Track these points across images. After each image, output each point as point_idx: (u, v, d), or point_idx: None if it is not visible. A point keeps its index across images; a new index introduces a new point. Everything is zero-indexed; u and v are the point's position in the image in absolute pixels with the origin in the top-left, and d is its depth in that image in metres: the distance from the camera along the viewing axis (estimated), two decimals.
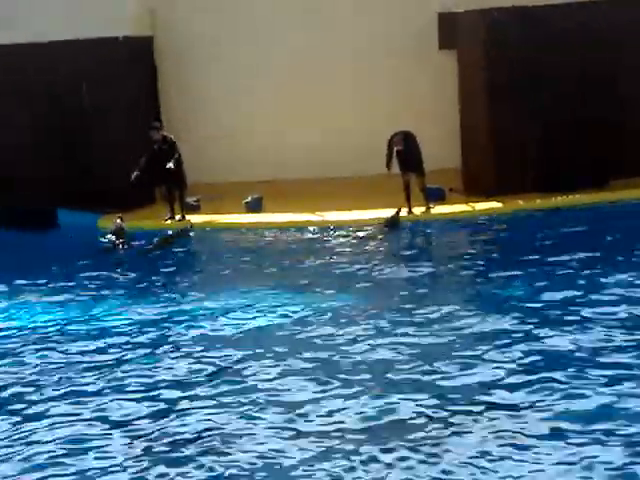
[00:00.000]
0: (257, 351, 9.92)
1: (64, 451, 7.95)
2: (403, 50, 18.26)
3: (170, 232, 15.98)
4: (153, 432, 8.14)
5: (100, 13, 17.57)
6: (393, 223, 15.57)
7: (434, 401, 8.30)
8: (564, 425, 7.69)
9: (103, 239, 15.66)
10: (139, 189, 16.83)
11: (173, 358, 10.00)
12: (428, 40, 17.88)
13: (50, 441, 8.13)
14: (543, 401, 8.16)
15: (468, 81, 17.19)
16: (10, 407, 8.98)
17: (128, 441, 8.03)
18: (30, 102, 17.80)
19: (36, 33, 17.47)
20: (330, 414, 8.24)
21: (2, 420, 8.69)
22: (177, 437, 8.01)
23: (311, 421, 8.15)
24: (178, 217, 16.80)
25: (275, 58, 18.83)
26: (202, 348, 10.20)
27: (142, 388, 9.21)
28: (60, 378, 9.64)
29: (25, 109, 17.82)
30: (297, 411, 8.32)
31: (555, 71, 16.48)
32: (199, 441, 7.90)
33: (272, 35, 18.80)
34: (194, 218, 16.91)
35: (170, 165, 16.32)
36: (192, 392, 8.98)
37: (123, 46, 17.82)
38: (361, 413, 8.18)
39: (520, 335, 9.80)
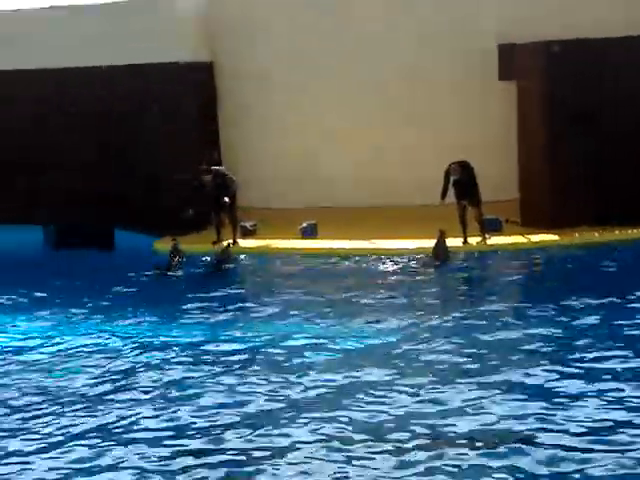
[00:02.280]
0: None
1: None
2: (463, 80, 18.22)
3: (214, 257, 16.10)
4: None
5: (162, 38, 17.87)
6: (441, 254, 15.47)
7: None
8: None
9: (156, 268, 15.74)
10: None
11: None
12: (488, 71, 17.82)
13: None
14: None
15: (527, 113, 17.16)
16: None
17: None
18: (96, 123, 18.16)
19: (92, 58, 17.82)
20: None
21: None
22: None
23: None
24: (230, 241, 16.91)
25: (337, 88, 18.83)
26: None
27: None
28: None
29: (92, 129, 18.16)
30: None
31: (614, 106, 16.39)
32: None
33: (334, 65, 18.84)
34: (250, 242, 17.06)
35: (226, 200, 16.62)
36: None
37: (184, 70, 18.05)
38: None
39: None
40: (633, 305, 12.04)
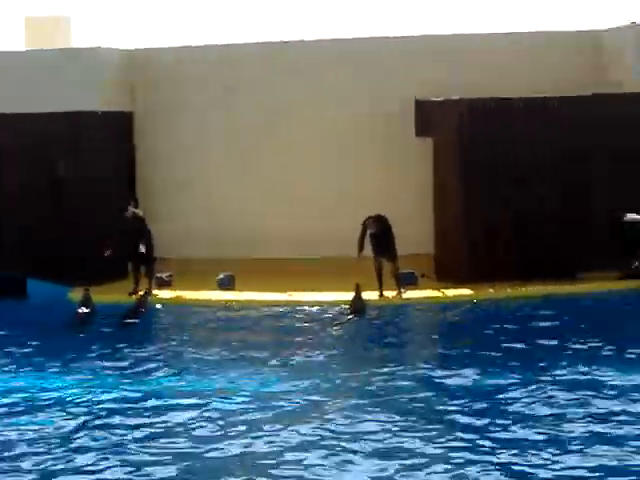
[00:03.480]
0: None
1: None
2: (380, 135, 18.52)
3: (129, 308, 15.86)
4: None
5: (82, 88, 17.78)
6: (358, 308, 15.53)
7: None
8: None
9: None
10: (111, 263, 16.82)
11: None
12: (405, 126, 18.10)
13: None
14: None
15: (442, 168, 17.43)
16: None
17: None
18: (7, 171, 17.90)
19: (11, 103, 17.61)
20: None
21: None
22: None
23: None
24: (145, 292, 16.76)
25: (256, 142, 19.00)
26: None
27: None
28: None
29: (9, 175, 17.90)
30: None
31: (527, 163, 16.74)
32: None
33: (255, 120, 19.00)
34: (165, 293, 16.91)
35: (142, 249, 16.53)
36: None
37: (102, 120, 17.95)
38: None
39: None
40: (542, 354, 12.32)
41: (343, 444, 9.31)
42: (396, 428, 9.77)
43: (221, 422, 10.16)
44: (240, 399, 10.97)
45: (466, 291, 16.34)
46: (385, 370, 12.02)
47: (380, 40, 19.02)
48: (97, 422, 10.36)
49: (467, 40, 18.82)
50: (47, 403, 11.15)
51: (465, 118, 16.78)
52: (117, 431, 10.02)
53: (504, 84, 17.44)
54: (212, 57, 19.24)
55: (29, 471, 9.01)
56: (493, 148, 16.72)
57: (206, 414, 10.45)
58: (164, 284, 17.38)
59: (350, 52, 18.87)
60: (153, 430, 10.04)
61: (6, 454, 9.45)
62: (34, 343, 14.00)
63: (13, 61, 18.41)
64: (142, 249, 16.67)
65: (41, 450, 9.55)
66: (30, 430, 10.11)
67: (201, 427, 10.05)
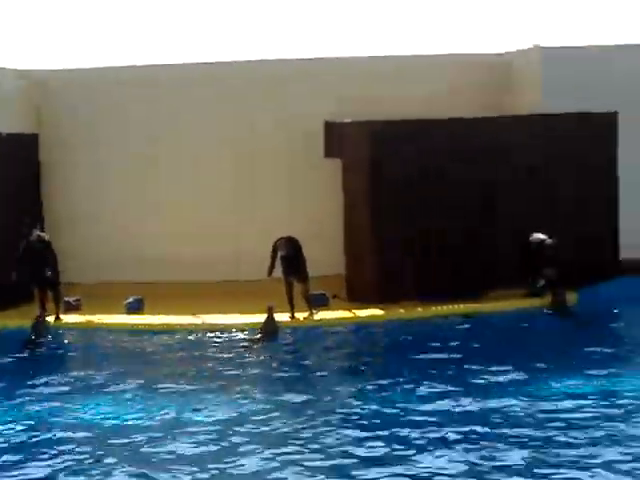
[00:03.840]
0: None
1: None
2: (290, 156, 18.57)
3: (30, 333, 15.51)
4: None
5: None
6: (270, 330, 15.46)
7: None
8: None
9: None
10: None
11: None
12: (314, 147, 18.16)
13: None
14: None
15: (351, 189, 17.51)
16: None
17: None
18: None
19: None
20: None
21: None
22: None
23: None
24: (53, 317, 16.45)
25: (164, 163, 18.92)
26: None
27: None
28: None
29: None
30: None
31: (435, 183, 16.92)
32: None
33: (160, 140, 18.88)
34: (73, 318, 16.61)
35: (48, 273, 16.19)
36: None
37: (5, 142, 17.60)
38: None
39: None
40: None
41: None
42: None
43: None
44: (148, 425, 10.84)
45: (377, 311, 16.40)
46: (299, 393, 11.97)
47: (288, 62, 19.06)
48: None
49: (375, 62, 19.00)
50: None
51: (374, 139, 16.88)
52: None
53: (412, 106, 17.62)
54: (113, 78, 19.04)
55: None
56: (401, 169, 16.85)
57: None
58: (72, 308, 17.07)
59: (260, 74, 18.87)
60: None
61: None
62: None
63: None
64: (48, 273, 16.33)
65: None
66: None
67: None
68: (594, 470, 9.05)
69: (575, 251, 16.68)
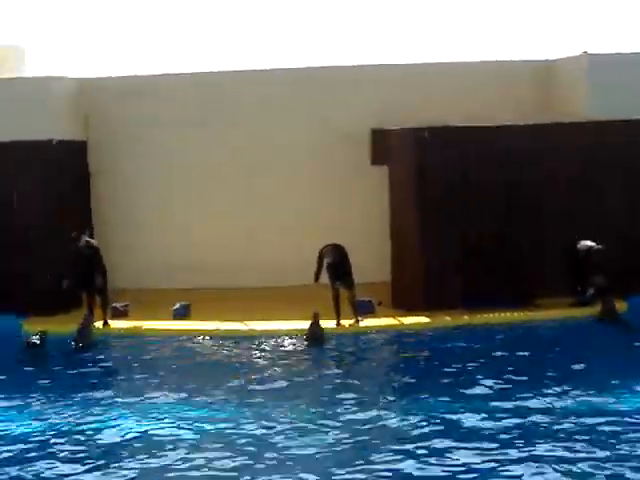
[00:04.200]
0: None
1: None
2: (337, 164, 18.61)
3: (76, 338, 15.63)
4: None
5: (35, 116, 17.63)
6: (314, 335, 15.47)
7: None
8: None
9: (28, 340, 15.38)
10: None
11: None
12: (362, 155, 18.19)
13: None
14: None
15: (398, 197, 17.50)
16: None
17: None
18: None
19: None
20: None
21: None
22: None
23: None
24: (102, 322, 16.62)
25: (211, 170, 19.00)
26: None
27: None
28: None
29: None
30: None
31: (482, 191, 16.87)
32: None
33: (206, 147, 19.00)
34: (121, 323, 16.76)
35: (99, 282, 16.36)
36: None
37: (56, 149, 17.81)
38: None
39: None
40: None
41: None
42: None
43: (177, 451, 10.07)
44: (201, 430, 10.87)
45: (423, 319, 16.36)
46: (347, 399, 11.97)
47: (334, 69, 19.10)
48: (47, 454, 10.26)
49: (421, 69, 18.97)
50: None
51: (422, 146, 16.86)
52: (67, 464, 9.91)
53: (456, 113, 17.58)
54: (163, 87, 19.21)
55: None
56: (449, 177, 16.81)
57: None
58: (119, 314, 17.22)
59: (305, 81, 18.94)
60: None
61: None
62: None
63: None
64: (98, 281, 16.46)
65: None
66: None
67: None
68: None
69: (624, 258, 16.52)
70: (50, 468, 9.86)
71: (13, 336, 15.95)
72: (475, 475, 9.34)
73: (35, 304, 16.76)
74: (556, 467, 9.42)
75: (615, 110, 16.84)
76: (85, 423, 11.39)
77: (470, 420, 10.95)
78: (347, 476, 9.31)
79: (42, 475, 9.71)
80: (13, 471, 9.79)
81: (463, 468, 9.51)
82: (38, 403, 12.36)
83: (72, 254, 16.53)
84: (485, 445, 10.09)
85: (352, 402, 11.94)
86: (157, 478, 9.52)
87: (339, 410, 11.62)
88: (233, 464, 9.79)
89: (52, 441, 10.78)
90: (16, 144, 17.38)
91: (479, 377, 12.74)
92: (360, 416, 11.33)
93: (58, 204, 17.79)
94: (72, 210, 18.19)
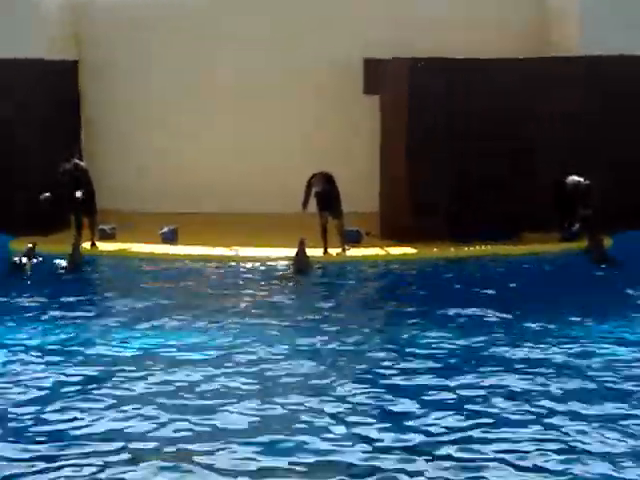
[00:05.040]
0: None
1: None
2: (328, 92, 18.48)
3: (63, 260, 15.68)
4: None
5: (24, 34, 17.44)
6: (302, 264, 15.50)
7: None
8: None
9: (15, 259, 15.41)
10: (49, 211, 16.60)
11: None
12: (353, 83, 18.07)
13: None
14: None
15: (389, 127, 17.43)
16: None
17: None
18: None
19: None
20: None
21: None
22: None
23: None
24: (89, 243, 16.64)
25: (201, 92, 18.88)
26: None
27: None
28: None
29: None
30: None
31: (473, 123, 16.80)
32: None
33: (198, 68, 18.85)
34: (109, 246, 16.78)
35: (78, 194, 16.29)
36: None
37: (46, 67, 17.64)
38: None
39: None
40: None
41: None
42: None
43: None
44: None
45: (410, 250, 16.41)
46: (333, 329, 12.02)
47: None
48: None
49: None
50: None
51: (413, 76, 16.75)
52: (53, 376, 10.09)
53: (445, 43, 17.40)
54: (154, 7, 18.98)
55: None
56: (439, 109, 16.73)
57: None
58: (107, 236, 17.24)
59: (299, 4, 18.71)
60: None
61: None
62: None
63: None
64: (78, 194, 16.35)
65: None
66: None
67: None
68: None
69: (614, 195, 16.53)
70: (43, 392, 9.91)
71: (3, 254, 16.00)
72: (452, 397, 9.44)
73: (21, 226, 16.69)
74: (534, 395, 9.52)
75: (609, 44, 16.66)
76: (70, 343, 11.46)
77: (445, 348, 11.08)
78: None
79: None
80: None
81: (437, 392, 9.63)
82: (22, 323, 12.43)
83: (59, 174, 16.47)
84: (462, 371, 10.21)
85: (334, 330, 11.99)
86: (161, 397, 9.57)
87: (324, 336, 11.70)
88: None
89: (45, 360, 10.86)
90: (4, 62, 17.20)
91: (461, 308, 12.77)
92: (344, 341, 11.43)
93: (49, 124, 17.68)
94: (62, 130, 18.08)
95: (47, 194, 16.24)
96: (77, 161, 16.87)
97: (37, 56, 17.47)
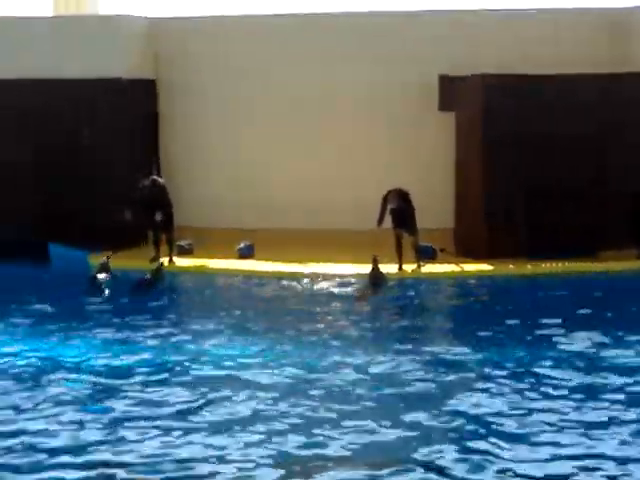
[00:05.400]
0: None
1: None
2: (403, 109, 18.51)
3: (147, 275, 15.93)
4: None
5: (106, 54, 17.84)
6: (377, 281, 15.55)
7: None
8: None
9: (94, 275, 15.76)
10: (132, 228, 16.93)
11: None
12: (429, 100, 18.10)
13: None
14: None
15: (464, 144, 17.45)
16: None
17: None
18: (31, 137, 17.97)
19: (39, 69, 17.71)
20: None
21: None
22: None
23: None
24: (167, 259, 16.91)
25: (278, 111, 18.99)
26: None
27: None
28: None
29: (27, 144, 17.98)
30: None
31: (548, 140, 16.74)
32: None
33: (272, 85, 19.02)
34: (186, 261, 17.03)
35: (158, 217, 16.64)
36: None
37: (125, 87, 18.01)
38: None
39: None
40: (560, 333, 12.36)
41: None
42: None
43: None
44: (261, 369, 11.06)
45: (485, 267, 16.38)
46: (408, 347, 12.04)
47: (404, 15, 18.94)
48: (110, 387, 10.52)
49: (491, 15, 18.72)
50: (65, 366, 11.30)
51: (488, 94, 16.75)
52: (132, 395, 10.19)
53: (528, 60, 17.37)
54: (234, 27, 19.20)
55: (58, 432, 9.19)
56: (515, 125, 16.70)
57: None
58: (185, 252, 17.50)
59: (374, 26, 18.80)
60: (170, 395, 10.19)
61: (30, 415, 9.62)
62: (52, 307, 14.12)
63: (41, 27, 18.40)
64: (158, 217, 16.69)
65: (63, 410, 9.72)
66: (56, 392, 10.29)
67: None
68: None
69: None
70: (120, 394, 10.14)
71: (82, 270, 16.30)
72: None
73: (103, 240, 17.04)
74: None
75: None
76: (141, 358, 11.62)
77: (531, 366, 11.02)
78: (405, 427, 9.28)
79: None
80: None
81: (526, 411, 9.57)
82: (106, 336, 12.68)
83: (138, 191, 16.78)
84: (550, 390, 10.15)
85: (410, 346, 12.01)
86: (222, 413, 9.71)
87: (397, 350, 11.73)
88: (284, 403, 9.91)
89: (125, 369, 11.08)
90: (86, 82, 17.61)
91: (541, 325, 12.73)
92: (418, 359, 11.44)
93: (128, 142, 18.05)
94: (141, 148, 18.45)
95: (128, 213, 16.54)
96: (155, 177, 17.19)
97: (117, 75, 17.83)
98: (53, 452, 8.67)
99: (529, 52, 17.80)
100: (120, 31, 18.38)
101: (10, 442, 8.87)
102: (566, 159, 16.77)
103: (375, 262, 15.63)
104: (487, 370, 10.93)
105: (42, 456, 8.60)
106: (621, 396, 9.96)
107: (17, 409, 9.79)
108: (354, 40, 18.79)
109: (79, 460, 8.47)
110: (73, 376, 10.85)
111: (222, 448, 8.72)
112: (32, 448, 8.75)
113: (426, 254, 16.74)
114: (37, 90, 17.84)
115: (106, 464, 8.42)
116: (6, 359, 11.54)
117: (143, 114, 18.74)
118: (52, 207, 17.85)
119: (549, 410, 9.54)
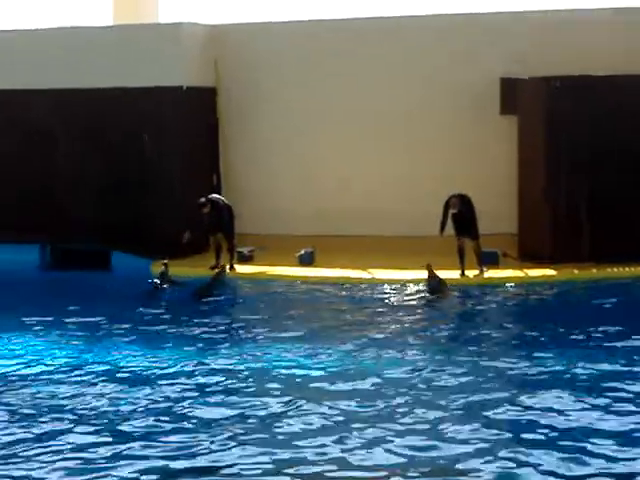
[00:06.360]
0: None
1: None
2: (465, 113, 18.27)
3: (208, 281, 16.00)
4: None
5: (165, 62, 17.93)
6: (435, 287, 15.41)
7: None
8: None
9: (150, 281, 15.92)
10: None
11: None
12: (490, 104, 17.87)
13: None
14: None
15: (527, 147, 17.20)
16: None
17: None
18: (95, 146, 18.22)
19: (98, 80, 17.90)
20: None
21: None
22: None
23: None
24: (228, 266, 16.94)
25: (337, 119, 18.88)
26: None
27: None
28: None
29: (92, 153, 18.20)
30: None
31: (612, 142, 16.44)
32: None
33: (333, 91, 18.93)
34: (247, 268, 17.04)
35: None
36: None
37: (186, 95, 18.08)
38: None
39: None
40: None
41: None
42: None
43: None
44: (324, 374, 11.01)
45: (549, 272, 16.10)
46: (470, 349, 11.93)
47: (465, 16, 18.73)
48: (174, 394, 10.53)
49: (553, 16, 18.40)
50: (125, 374, 11.36)
51: (553, 96, 16.49)
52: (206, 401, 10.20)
53: (591, 62, 17.04)
54: (293, 32, 19.17)
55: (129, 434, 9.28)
56: (579, 128, 16.43)
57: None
58: (245, 259, 17.52)
59: (435, 28, 18.62)
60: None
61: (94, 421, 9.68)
62: (114, 314, 14.22)
63: (103, 37, 18.59)
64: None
65: (122, 417, 9.77)
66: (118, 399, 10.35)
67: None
68: None
69: None
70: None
71: (143, 277, 16.40)
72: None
73: (165, 247, 17.12)
74: None
75: None
76: (204, 364, 11.64)
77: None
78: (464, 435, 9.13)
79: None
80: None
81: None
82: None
83: (199, 205, 16.78)
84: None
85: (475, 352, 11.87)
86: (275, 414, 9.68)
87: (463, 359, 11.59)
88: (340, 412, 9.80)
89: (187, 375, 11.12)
90: (147, 90, 17.72)
91: (606, 332, 12.48)
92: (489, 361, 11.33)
93: (189, 150, 18.14)
94: (202, 155, 18.52)
95: (188, 235, 16.59)
96: (216, 198, 17.15)
97: (179, 83, 17.91)
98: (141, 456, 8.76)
99: (592, 53, 17.43)
100: (181, 39, 18.43)
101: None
102: (632, 162, 16.44)
103: (429, 269, 15.46)
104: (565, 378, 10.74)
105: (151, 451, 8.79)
106: None
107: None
108: (418, 47, 18.57)
109: (177, 464, 8.53)
110: (163, 381, 10.92)
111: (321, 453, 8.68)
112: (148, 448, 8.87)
113: (489, 259, 16.49)
114: (100, 99, 17.99)
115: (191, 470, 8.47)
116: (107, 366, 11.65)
117: (204, 122, 18.78)
118: (116, 216, 17.99)
119: None
